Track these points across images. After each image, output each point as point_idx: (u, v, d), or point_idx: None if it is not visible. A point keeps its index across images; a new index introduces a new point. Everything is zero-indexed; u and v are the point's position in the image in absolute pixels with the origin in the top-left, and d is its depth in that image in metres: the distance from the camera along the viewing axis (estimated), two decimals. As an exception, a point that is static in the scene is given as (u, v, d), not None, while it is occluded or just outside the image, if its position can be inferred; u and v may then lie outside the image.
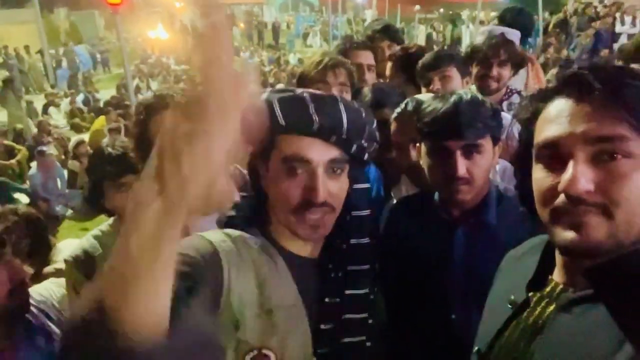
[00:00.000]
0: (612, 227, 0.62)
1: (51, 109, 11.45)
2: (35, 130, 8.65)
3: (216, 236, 0.86)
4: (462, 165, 1.13)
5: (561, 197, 0.64)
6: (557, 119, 0.66)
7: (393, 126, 1.54)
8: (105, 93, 12.71)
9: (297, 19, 22.98)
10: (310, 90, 0.93)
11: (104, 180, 1.50)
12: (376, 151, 1.78)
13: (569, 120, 0.65)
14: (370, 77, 2.23)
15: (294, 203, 0.87)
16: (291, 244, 0.93)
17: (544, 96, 0.71)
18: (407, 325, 1.23)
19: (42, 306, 1.22)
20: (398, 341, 1.23)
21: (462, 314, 1.13)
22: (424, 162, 1.27)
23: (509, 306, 0.79)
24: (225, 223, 1.03)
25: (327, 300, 0.94)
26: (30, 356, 1.10)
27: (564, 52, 10.32)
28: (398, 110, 1.53)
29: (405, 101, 1.52)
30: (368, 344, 1.00)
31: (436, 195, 1.30)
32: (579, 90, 0.65)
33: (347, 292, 0.98)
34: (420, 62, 2.09)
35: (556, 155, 0.66)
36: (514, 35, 2.55)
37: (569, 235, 0.64)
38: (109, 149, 1.49)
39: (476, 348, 0.85)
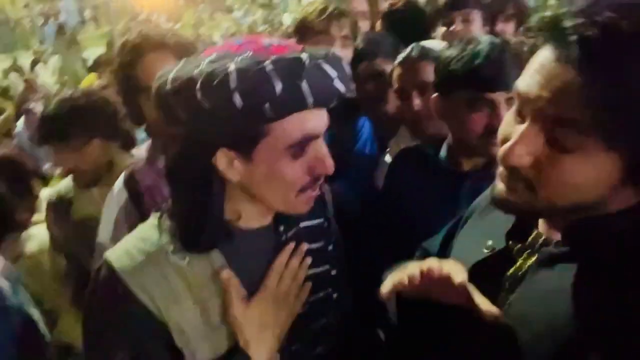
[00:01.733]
0: (532, 200, 0.61)
1: (39, 66, 11.15)
2: (21, 87, 8.44)
3: (130, 267, 0.78)
4: None
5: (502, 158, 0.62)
6: (533, 72, 0.58)
7: (396, 73, 1.48)
8: (96, 51, 12.37)
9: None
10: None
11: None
12: (369, 105, 1.77)
13: (539, 81, 0.57)
14: (364, 25, 2.14)
15: (301, 184, 0.79)
16: (251, 221, 0.86)
17: (543, 32, 0.60)
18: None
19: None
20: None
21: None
22: (445, 113, 1.22)
23: (485, 251, 0.76)
24: None
25: None
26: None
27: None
28: (402, 55, 1.47)
29: (410, 47, 1.47)
30: (334, 295, 0.95)
31: (443, 147, 1.27)
32: (559, 43, 0.55)
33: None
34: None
35: (517, 109, 0.62)
36: None
37: (499, 187, 0.65)
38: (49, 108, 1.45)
39: None
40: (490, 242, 0.76)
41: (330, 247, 0.97)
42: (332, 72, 0.73)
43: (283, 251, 0.87)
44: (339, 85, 0.74)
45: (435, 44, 1.49)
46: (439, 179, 1.24)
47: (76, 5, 18.14)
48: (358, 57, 1.69)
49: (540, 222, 0.72)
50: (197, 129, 0.73)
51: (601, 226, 0.61)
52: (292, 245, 0.88)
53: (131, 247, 0.81)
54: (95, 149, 1.58)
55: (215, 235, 0.80)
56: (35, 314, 1.27)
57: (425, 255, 1.00)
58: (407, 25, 2.06)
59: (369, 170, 1.68)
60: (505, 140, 0.63)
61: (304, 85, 0.70)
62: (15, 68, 10.55)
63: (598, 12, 0.51)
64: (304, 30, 1.67)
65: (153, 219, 0.85)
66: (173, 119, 0.73)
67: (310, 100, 0.71)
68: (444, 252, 0.92)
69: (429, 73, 1.34)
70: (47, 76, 11.15)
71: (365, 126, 1.84)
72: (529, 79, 0.59)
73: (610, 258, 0.60)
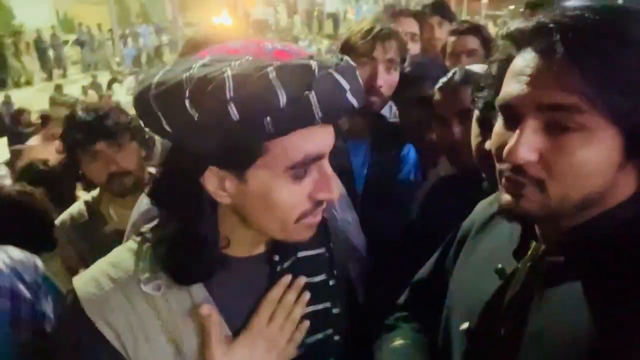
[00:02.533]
0: (545, 199, 0.60)
1: (115, 85, 11.97)
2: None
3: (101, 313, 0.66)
4: None
5: (506, 161, 0.62)
6: (517, 76, 0.61)
7: (436, 98, 1.37)
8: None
9: (357, 11, 22.76)
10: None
11: (77, 149, 1.40)
12: (415, 132, 1.66)
13: (528, 80, 0.59)
14: (414, 48, 2.04)
15: (301, 210, 0.68)
16: (241, 249, 0.75)
17: (519, 41, 0.63)
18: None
19: (18, 267, 1.16)
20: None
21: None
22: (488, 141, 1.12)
23: (496, 276, 0.71)
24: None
25: None
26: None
27: None
28: (444, 79, 1.36)
29: (453, 71, 1.35)
30: (336, 337, 0.82)
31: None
32: (541, 45, 0.58)
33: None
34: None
35: (512, 115, 0.61)
36: None
37: (506, 198, 0.63)
38: (80, 113, 1.37)
39: (464, 326, 0.72)
40: (500, 266, 0.71)
41: (332, 282, 0.84)
42: (345, 84, 0.61)
43: (277, 284, 0.75)
44: (352, 99, 0.62)
45: (481, 67, 1.36)
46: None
47: (154, 31, 19.51)
48: (405, 82, 1.58)
49: (537, 231, 0.69)
50: (184, 142, 0.62)
51: (601, 226, 0.61)
52: (288, 277, 0.76)
53: (100, 273, 0.70)
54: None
55: (208, 265, 0.69)
56: None
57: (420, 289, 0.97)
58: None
59: (411, 198, 1.57)
60: (500, 149, 0.62)
61: (313, 98, 0.58)
62: (94, 86, 11.39)
63: (566, 11, 0.58)
64: (347, 52, 1.57)
65: (132, 243, 0.75)
66: (157, 129, 0.62)
67: (318, 115, 0.60)
68: (437, 279, 0.90)
69: (470, 99, 1.22)
70: (121, 94, 11.98)
71: (410, 153, 1.72)
72: (517, 84, 0.60)
73: (614, 258, 0.60)
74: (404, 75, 1.61)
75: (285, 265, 0.78)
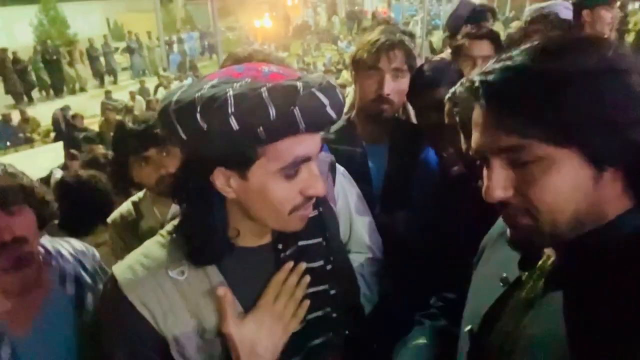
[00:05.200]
0: (539, 226, 0.64)
1: (160, 90, 12.46)
2: (144, 108, 9.51)
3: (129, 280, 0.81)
4: None
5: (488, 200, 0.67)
6: (475, 127, 0.68)
7: (447, 108, 1.41)
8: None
9: (395, 8, 22.40)
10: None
11: (129, 155, 1.54)
12: (432, 133, 1.69)
13: (480, 130, 0.66)
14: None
15: (293, 204, 0.81)
16: (250, 239, 0.88)
17: (473, 96, 0.69)
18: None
19: (80, 256, 1.30)
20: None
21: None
22: None
23: (500, 284, 0.78)
24: None
25: None
26: (59, 299, 1.18)
27: None
28: (453, 89, 1.40)
29: (463, 79, 1.39)
30: (334, 314, 0.95)
31: None
32: (480, 100, 0.65)
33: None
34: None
35: (483, 159, 0.68)
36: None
37: (509, 231, 0.69)
38: (130, 124, 1.53)
39: (468, 327, 0.80)
40: (504, 275, 0.78)
41: (329, 267, 0.97)
42: (325, 100, 0.75)
43: (281, 269, 0.89)
44: (331, 112, 0.76)
45: None
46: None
47: (198, 37, 20.13)
48: (421, 87, 1.63)
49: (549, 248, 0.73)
50: (197, 148, 0.76)
51: (600, 237, 0.63)
52: (290, 263, 0.90)
53: (134, 262, 0.85)
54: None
55: (220, 249, 0.83)
56: None
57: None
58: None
59: (432, 201, 1.60)
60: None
61: (296, 112, 0.72)
62: (141, 91, 11.92)
63: (488, 70, 0.65)
64: (356, 65, 1.64)
65: (159, 236, 0.89)
66: (176, 138, 0.76)
67: (302, 125, 0.73)
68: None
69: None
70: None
71: (429, 157, 1.75)
72: (475, 134, 0.68)
73: (613, 269, 0.61)
74: (421, 80, 1.65)
75: (288, 252, 0.91)
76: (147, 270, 0.83)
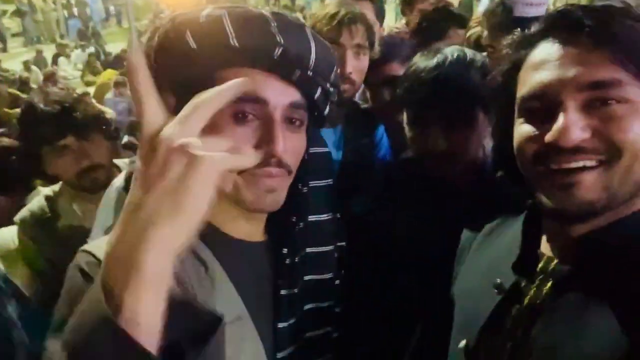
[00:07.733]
0: (608, 179, 0.57)
1: (61, 60, 11.31)
2: (42, 79, 8.55)
3: None
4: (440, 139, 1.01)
5: (552, 152, 0.59)
6: (544, 65, 0.61)
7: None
8: (117, 46, 12.51)
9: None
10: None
11: (42, 145, 1.30)
12: (385, 112, 1.63)
13: (558, 65, 0.60)
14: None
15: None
16: (234, 227, 0.73)
17: (528, 41, 0.64)
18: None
19: None
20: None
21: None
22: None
23: (495, 291, 0.70)
24: None
25: (283, 292, 0.76)
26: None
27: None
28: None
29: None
30: (335, 334, 0.84)
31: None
32: (567, 31, 0.60)
33: (307, 278, 0.81)
34: None
35: (543, 106, 0.61)
36: None
37: (559, 195, 0.60)
38: (42, 106, 1.27)
39: (463, 343, 0.71)
40: (498, 280, 0.70)
41: (337, 282, 0.86)
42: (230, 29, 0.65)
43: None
44: (234, 43, 0.65)
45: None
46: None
47: (100, 2, 18.46)
48: (374, 64, 1.54)
49: (545, 244, 0.68)
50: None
51: (614, 234, 0.60)
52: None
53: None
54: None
55: None
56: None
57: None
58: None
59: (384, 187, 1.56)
60: (534, 149, 0.61)
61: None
62: (37, 61, 10.72)
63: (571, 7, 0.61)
64: None
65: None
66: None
67: (277, 52, 0.65)
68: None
69: None
70: (68, 69, 11.31)
71: (384, 136, 1.70)
72: (547, 72, 0.60)
73: (626, 269, 0.57)
74: (373, 57, 1.57)
75: (296, 259, 0.78)
76: None
